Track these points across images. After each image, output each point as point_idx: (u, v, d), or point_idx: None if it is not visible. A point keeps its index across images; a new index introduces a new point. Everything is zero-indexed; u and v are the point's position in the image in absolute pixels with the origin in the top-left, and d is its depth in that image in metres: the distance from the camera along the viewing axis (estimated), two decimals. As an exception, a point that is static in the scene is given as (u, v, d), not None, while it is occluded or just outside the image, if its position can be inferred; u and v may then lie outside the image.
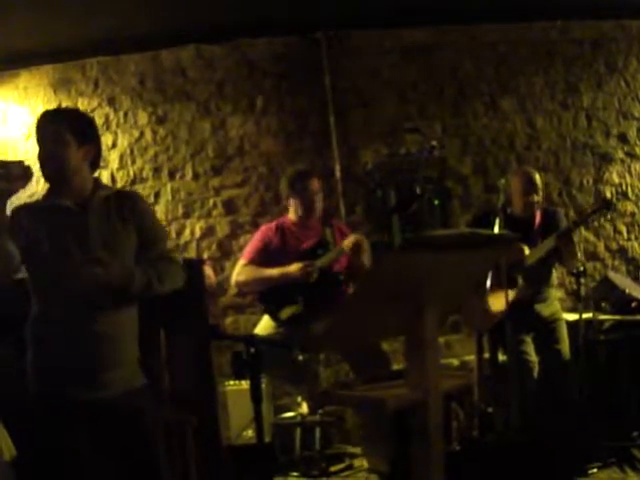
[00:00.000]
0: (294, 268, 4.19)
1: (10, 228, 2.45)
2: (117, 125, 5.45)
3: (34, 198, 5.68)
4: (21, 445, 3.03)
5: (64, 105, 5.47)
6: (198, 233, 5.34)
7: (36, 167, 5.43)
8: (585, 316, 4.44)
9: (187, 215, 5.37)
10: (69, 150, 2.51)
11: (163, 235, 2.85)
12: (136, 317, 2.63)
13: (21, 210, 2.60)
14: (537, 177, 4.43)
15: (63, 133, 2.51)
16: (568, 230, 4.25)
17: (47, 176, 2.53)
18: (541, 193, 4.44)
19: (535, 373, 4.38)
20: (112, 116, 5.46)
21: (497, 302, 4.03)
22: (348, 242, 4.20)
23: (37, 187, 5.41)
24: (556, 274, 4.67)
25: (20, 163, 2.39)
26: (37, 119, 2.61)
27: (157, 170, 5.39)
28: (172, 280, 2.69)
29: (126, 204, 2.62)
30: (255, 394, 2.27)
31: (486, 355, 4.40)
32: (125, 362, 2.57)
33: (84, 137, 2.56)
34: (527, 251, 4.23)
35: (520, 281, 4.20)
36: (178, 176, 5.40)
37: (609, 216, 5.18)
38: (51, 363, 2.48)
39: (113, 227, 2.56)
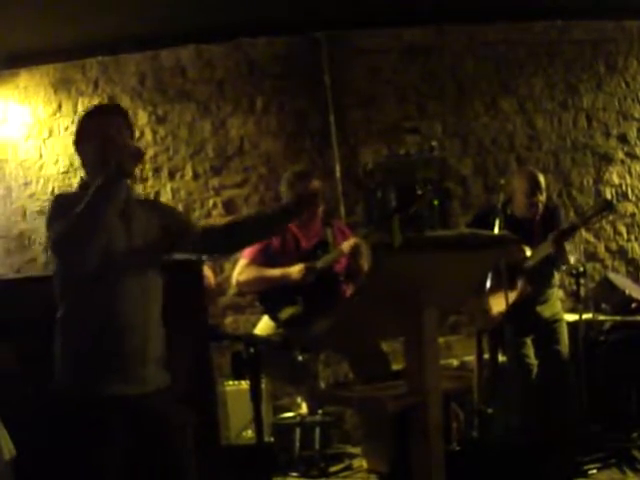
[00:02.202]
0: (296, 269, 4.19)
1: (52, 216, 2.42)
2: (117, 125, 5.45)
3: (33, 198, 5.67)
4: (20, 445, 3.03)
5: (64, 105, 5.48)
6: (198, 233, 5.34)
7: (33, 168, 5.36)
8: (585, 317, 4.44)
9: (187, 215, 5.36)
10: (132, 143, 2.54)
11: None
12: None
13: (65, 198, 2.56)
14: (541, 177, 4.43)
15: (124, 127, 2.54)
16: (566, 233, 4.24)
17: (125, 169, 2.36)
18: (544, 193, 4.44)
19: (534, 375, 4.38)
20: (112, 116, 5.45)
21: (498, 303, 4.03)
22: (347, 245, 4.20)
23: (36, 187, 5.48)
24: (557, 275, 4.66)
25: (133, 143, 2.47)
26: (92, 112, 2.62)
27: (157, 170, 5.39)
28: None
29: (151, 208, 2.67)
30: (255, 394, 2.28)
31: (486, 356, 4.40)
32: (157, 359, 2.55)
33: (133, 133, 2.63)
34: (529, 252, 4.22)
35: (521, 282, 4.19)
36: (178, 176, 5.40)
37: (609, 217, 5.18)
38: (86, 359, 2.44)
39: (146, 226, 2.58)
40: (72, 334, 2.48)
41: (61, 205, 2.44)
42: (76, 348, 2.46)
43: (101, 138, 2.46)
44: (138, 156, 2.37)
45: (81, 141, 2.58)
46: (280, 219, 2.66)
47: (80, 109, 5.48)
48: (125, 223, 2.50)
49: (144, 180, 5.38)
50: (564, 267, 4.34)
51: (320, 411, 4.58)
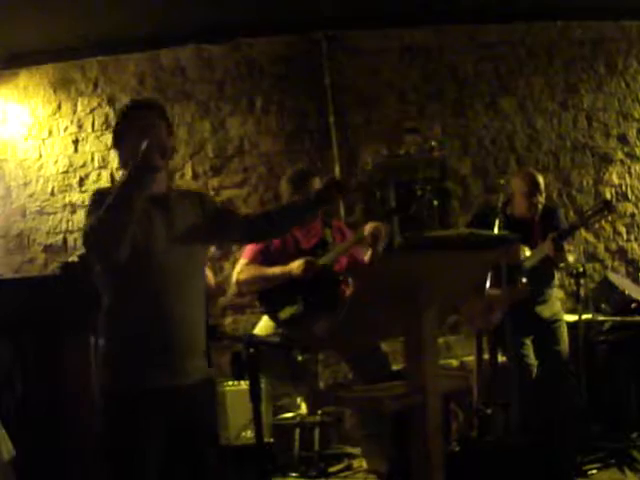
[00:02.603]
0: (296, 265, 4.18)
1: (89, 211, 2.47)
2: (117, 125, 5.45)
3: (33, 197, 5.66)
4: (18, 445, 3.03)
5: (63, 105, 5.49)
6: (198, 233, 5.33)
7: (32, 168, 5.34)
8: (585, 317, 4.43)
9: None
10: (166, 137, 2.56)
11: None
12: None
13: (101, 193, 2.56)
14: (540, 178, 4.43)
15: (161, 122, 2.57)
16: (566, 233, 4.23)
17: (150, 162, 2.41)
18: (543, 194, 4.44)
19: (533, 375, 4.38)
20: (112, 116, 5.45)
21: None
22: (369, 227, 4.15)
23: (36, 187, 5.48)
24: (557, 275, 4.66)
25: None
26: (128, 108, 2.64)
27: (156, 170, 5.38)
28: None
29: (194, 199, 2.70)
30: (254, 394, 2.27)
31: (485, 356, 4.39)
32: (200, 350, 2.58)
33: (171, 129, 2.64)
34: (527, 252, 4.22)
35: (520, 282, 4.19)
36: (178, 176, 5.40)
37: (609, 217, 5.18)
38: (130, 352, 2.47)
39: (188, 217, 2.62)
40: (116, 329, 2.51)
41: (97, 200, 2.48)
42: (120, 343, 2.49)
43: (137, 133, 2.48)
44: (165, 151, 2.43)
45: (119, 137, 2.62)
46: (312, 205, 2.71)
47: (79, 109, 5.49)
48: (165, 215, 2.55)
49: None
50: (562, 265, 4.34)
51: (319, 412, 4.58)
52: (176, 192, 2.67)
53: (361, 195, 5.31)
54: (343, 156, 5.39)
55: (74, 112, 5.50)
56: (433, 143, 4.96)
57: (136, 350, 2.45)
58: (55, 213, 5.49)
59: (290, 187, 4.35)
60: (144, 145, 2.35)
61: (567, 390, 4.31)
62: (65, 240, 5.47)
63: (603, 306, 4.92)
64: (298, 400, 4.71)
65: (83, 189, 5.47)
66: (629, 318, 4.68)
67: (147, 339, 2.45)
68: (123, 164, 2.60)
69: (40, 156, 5.52)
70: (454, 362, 5.18)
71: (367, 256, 4.26)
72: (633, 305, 4.77)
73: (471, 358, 4.74)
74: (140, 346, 2.45)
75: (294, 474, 4.47)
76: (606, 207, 4.27)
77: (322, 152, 5.42)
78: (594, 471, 4.00)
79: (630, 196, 5.65)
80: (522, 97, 5.59)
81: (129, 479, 2.44)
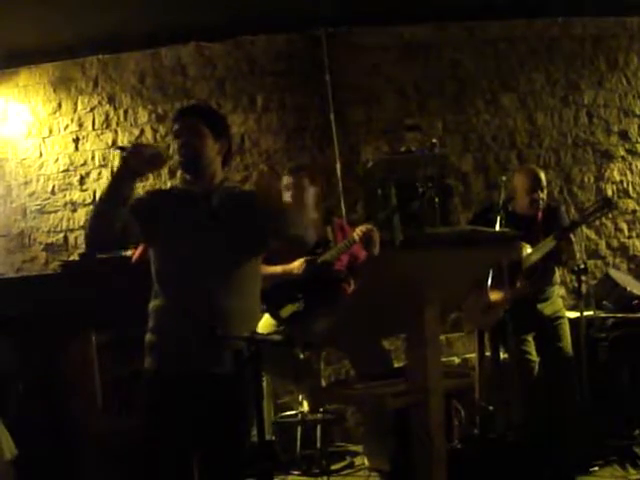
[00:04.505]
0: (296, 265, 4.18)
1: (139, 209, 2.58)
2: (117, 123, 5.45)
3: (34, 196, 5.67)
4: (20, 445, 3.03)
5: (64, 104, 5.48)
6: (199, 231, 5.32)
7: (33, 167, 5.36)
8: (586, 314, 4.43)
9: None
10: (206, 142, 2.63)
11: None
12: (254, 293, 2.74)
13: (151, 193, 2.79)
14: (542, 174, 4.43)
15: (201, 126, 2.63)
16: (567, 230, 4.22)
17: (183, 165, 2.64)
18: (545, 190, 4.43)
19: (536, 372, 4.37)
20: (112, 114, 5.46)
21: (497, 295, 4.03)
22: (359, 230, 4.12)
23: (37, 186, 5.48)
24: (558, 272, 4.65)
25: (152, 148, 2.58)
26: (175, 113, 2.81)
27: (157, 168, 5.37)
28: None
29: (244, 198, 2.74)
30: (256, 393, 2.27)
31: (487, 353, 4.39)
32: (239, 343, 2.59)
33: (219, 132, 2.69)
34: (529, 249, 4.21)
35: (520, 280, 4.18)
36: (179, 174, 5.38)
37: (611, 214, 5.17)
38: (170, 338, 2.57)
39: (227, 215, 2.65)
40: (155, 317, 2.63)
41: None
42: (158, 328, 2.61)
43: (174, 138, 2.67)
44: (152, 160, 2.48)
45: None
46: None
47: (80, 107, 5.49)
48: (198, 211, 2.62)
49: (144, 178, 5.37)
50: (571, 262, 4.32)
51: (321, 409, 4.57)
52: (223, 190, 2.69)
53: (362, 192, 5.30)
54: (344, 153, 5.38)
55: (74, 110, 5.49)
56: (434, 140, 4.96)
57: (176, 337, 2.55)
58: (56, 212, 5.49)
59: (284, 184, 4.34)
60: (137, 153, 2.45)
61: (569, 387, 4.31)
62: (66, 239, 5.47)
63: (605, 303, 4.92)
64: (300, 398, 4.70)
65: (84, 187, 5.47)
66: (631, 315, 4.67)
67: (185, 327, 2.53)
68: None
69: (40, 155, 5.51)
70: (456, 359, 5.18)
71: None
72: (635, 302, 4.76)
73: (473, 355, 4.74)
74: (178, 333, 2.54)
75: (296, 472, 4.46)
76: (606, 205, 4.26)
77: (323, 149, 5.41)
78: (596, 468, 3.99)
79: (631, 193, 5.63)
80: (523, 94, 5.58)
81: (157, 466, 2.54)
